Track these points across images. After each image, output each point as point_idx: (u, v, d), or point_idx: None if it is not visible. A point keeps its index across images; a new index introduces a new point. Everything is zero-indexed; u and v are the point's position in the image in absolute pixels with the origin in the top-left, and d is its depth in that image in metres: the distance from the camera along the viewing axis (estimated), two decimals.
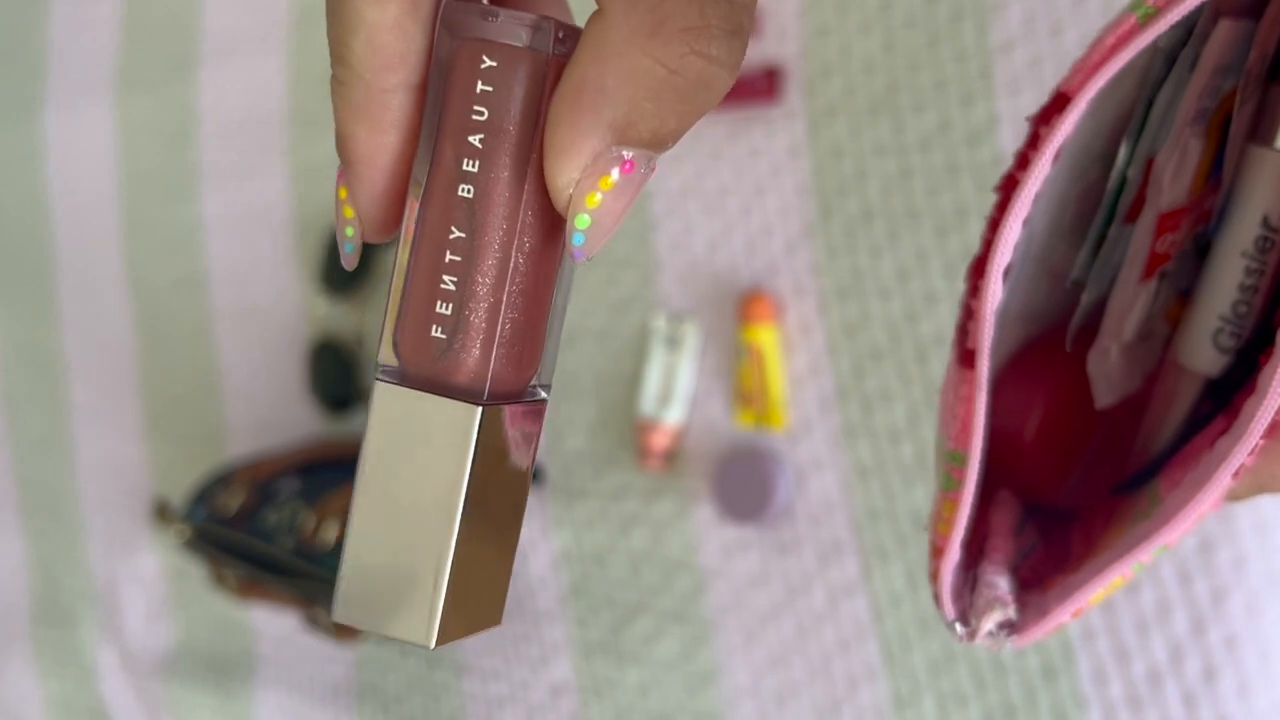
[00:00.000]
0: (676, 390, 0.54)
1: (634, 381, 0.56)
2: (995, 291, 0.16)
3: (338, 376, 0.68)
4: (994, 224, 0.16)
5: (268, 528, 0.59)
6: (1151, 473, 0.19)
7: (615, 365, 0.57)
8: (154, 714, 0.80)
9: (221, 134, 0.73)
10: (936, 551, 0.17)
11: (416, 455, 0.16)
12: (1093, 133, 0.18)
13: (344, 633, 0.60)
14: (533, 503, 0.60)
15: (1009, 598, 0.17)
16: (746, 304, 0.51)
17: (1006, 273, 0.16)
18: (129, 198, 0.79)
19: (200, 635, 0.78)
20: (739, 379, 0.52)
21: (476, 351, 0.16)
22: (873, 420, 0.49)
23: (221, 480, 0.65)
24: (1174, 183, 0.18)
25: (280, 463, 0.64)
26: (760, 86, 0.50)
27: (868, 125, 0.48)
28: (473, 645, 0.63)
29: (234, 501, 0.61)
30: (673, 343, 0.54)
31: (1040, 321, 0.20)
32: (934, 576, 0.18)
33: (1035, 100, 0.47)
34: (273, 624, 0.73)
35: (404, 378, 0.16)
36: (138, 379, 0.81)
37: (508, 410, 0.16)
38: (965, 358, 0.16)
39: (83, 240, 0.83)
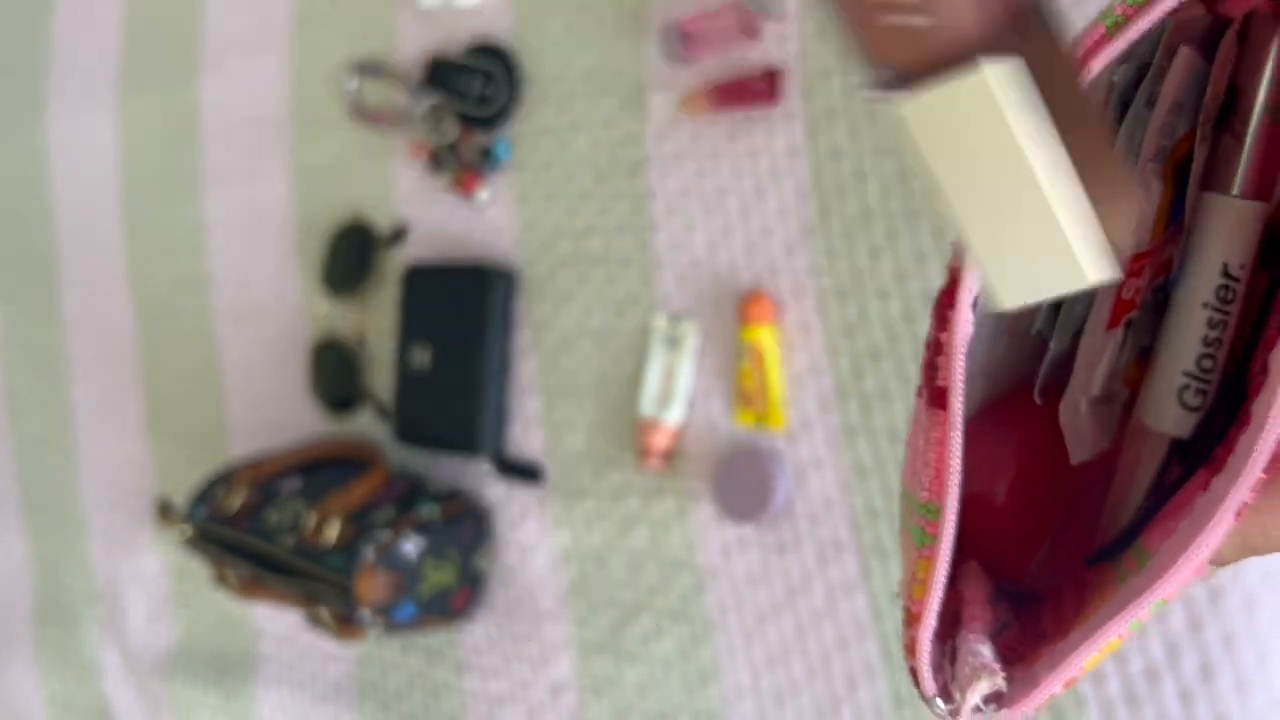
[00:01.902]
0: (676, 390, 0.54)
1: (634, 381, 0.56)
2: (965, 323, 0.15)
3: (339, 377, 0.68)
4: (960, 250, 0.15)
5: (269, 527, 0.59)
6: (1127, 540, 0.17)
7: (615, 365, 0.57)
8: (155, 712, 0.80)
9: (223, 135, 0.74)
10: (912, 619, 0.16)
11: (969, 141, 0.15)
12: None
13: (345, 631, 0.60)
14: (533, 502, 0.60)
15: (996, 665, 0.16)
16: (746, 304, 0.51)
17: (973, 307, 0.15)
18: (131, 199, 0.80)
19: (202, 634, 0.78)
20: (739, 379, 0.52)
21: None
22: (872, 420, 0.49)
23: (223, 480, 0.65)
24: (1139, 224, 0.17)
25: (282, 462, 0.64)
26: (760, 88, 0.50)
27: (866, 127, 0.49)
28: (473, 644, 0.64)
29: (235, 501, 0.61)
30: (673, 343, 0.54)
31: (1001, 380, 0.19)
32: (910, 648, 0.16)
33: None
34: (274, 622, 0.73)
35: (898, 79, 0.15)
36: (140, 379, 0.81)
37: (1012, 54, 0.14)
38: (936, 397, 0.15)
39: (85, 241, 0.83)
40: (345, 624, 0.60)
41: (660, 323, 0.55)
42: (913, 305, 0.48)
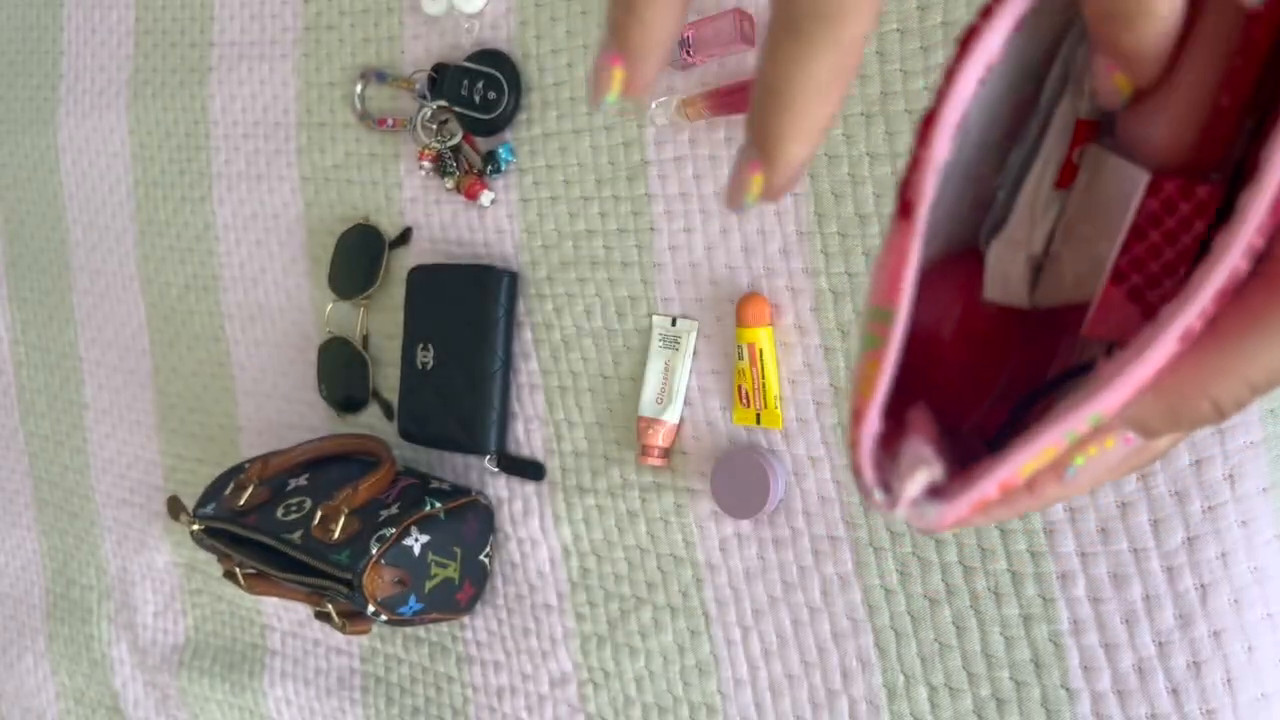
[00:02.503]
0: (676, 389, 0.54)
1: (634, 381, 0.57)
2: (943, 143, 0.15)
3: (345, 376, 0.68)
4: (949, 74, 0.15)
5: (278, 523, 0.59)
6: (1072, 374, 0.17)
7: (616, 365, 0.57)
8: (164, 705, 0.81)
9: (232, 139, 0.74)
10: (856, 416, 0.16)
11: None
12: (1033, 44, 0.16)
13: (351, 625, 0.61)
14: (534, 499, 0.61)
15: (934, 458, 0.15)
16: (744, 305, 0.52)
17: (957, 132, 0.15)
18: (141, 202, 0.80)
19: (210, 628, 0.79)
20: (736, 378, 0.52)
21: None
22: None
23: (233, 477, 0.65)
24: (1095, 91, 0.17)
25: (290, 459, 0.64)
26: None
27: (862, 131, 0.49)
28: (476, 637, 0.64)
29: (245, 497, 0.61)
30: (672, 343, 0.55)
31: (963, 236, 0.19)
32: (853, 444, 0.16)
33: None
34: (281, 617, 0.74)
35: None
36: (150, 378, 0.81)
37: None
38: (904, 209, 0.15)
39: (96, 244, 0.84)
40: (351, 618, 0.60)
41: (660, 323, 0.55)
42: None
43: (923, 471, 0.15)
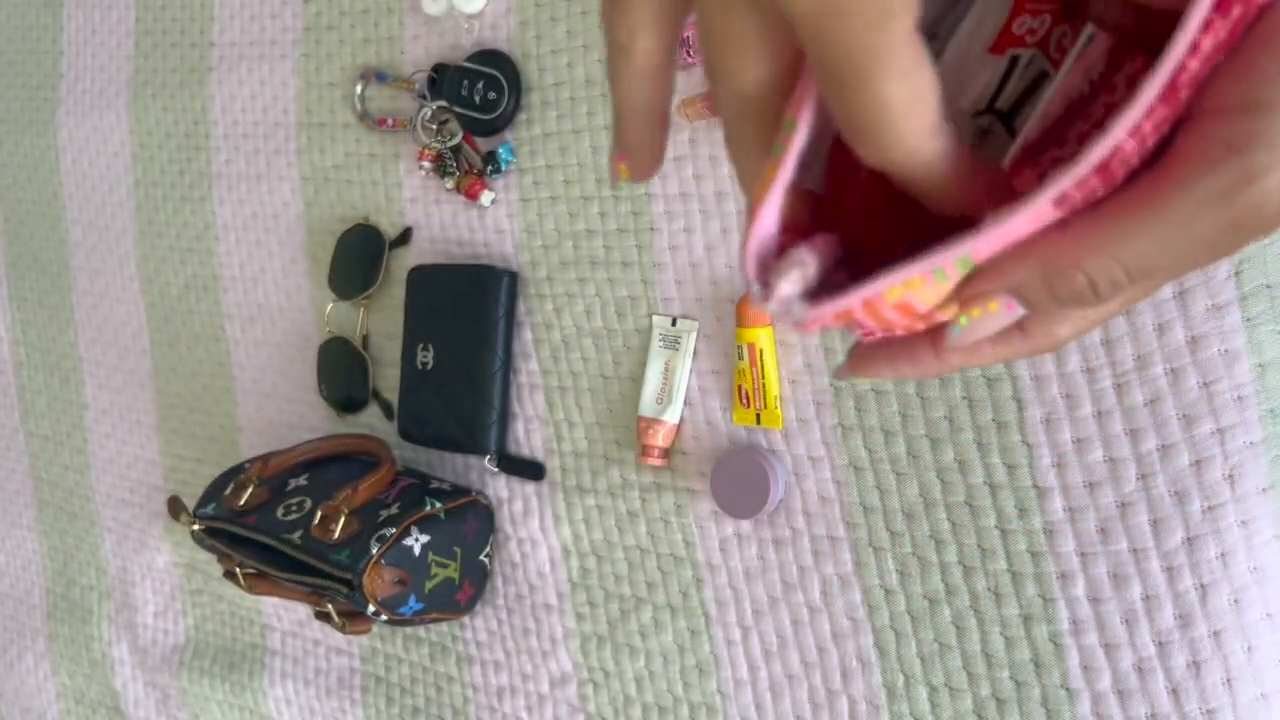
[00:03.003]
0: (676, 389, 0.54)
1: (634, 381, 0.57)
2: None
3: (345, 376, 0.68)
4: None
5: (278, 522, 0.59)
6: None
7: (616, 365, 0.57)
8: (165, 705, 0.81)
9: (232, 139, 0.74)
10: (750, 213, 0.17)
11: None
12: None
13: (351, 625, 0.61)
14: (535, 499, 0.61)
15: (812, 262, 0.16)
16: (744, 305, 0.52)
17: None
18: (141, 202, 0.80)
19: (211, 628, 0.79)
20: (736, 378, 0.52)
21: None
22: (866, 418, 0.50)
23: (233, 476, 0.65)
24: None
25: (290, 459, 0.64)
26: None
27: None
28: (476, 637, 0.64)
29: (245, 497, 0.62)
30: (672, 343, 0.55)
31: None
32: (745, 240, 0.17)
33: None
34: (282, 617, 0.74)
35: None
36: (150, 378, 0.82)
37: None
38: None
39: (96, 244, 0.84)
40: (351, 618, 0.60)
41: (660, 323, 0.55)
42: None
43: (796, 271, 0.16)
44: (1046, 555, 0.45)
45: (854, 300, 0.16)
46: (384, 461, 0.60)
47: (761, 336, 0.51)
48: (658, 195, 0.55)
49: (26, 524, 0.92)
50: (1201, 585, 0.42)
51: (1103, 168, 0.14)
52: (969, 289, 0.16)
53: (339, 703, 0.70)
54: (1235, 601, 0.41)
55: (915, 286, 0.16)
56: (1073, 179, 0.14)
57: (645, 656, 0.57)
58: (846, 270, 0.18)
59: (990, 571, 0.47)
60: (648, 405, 0.55)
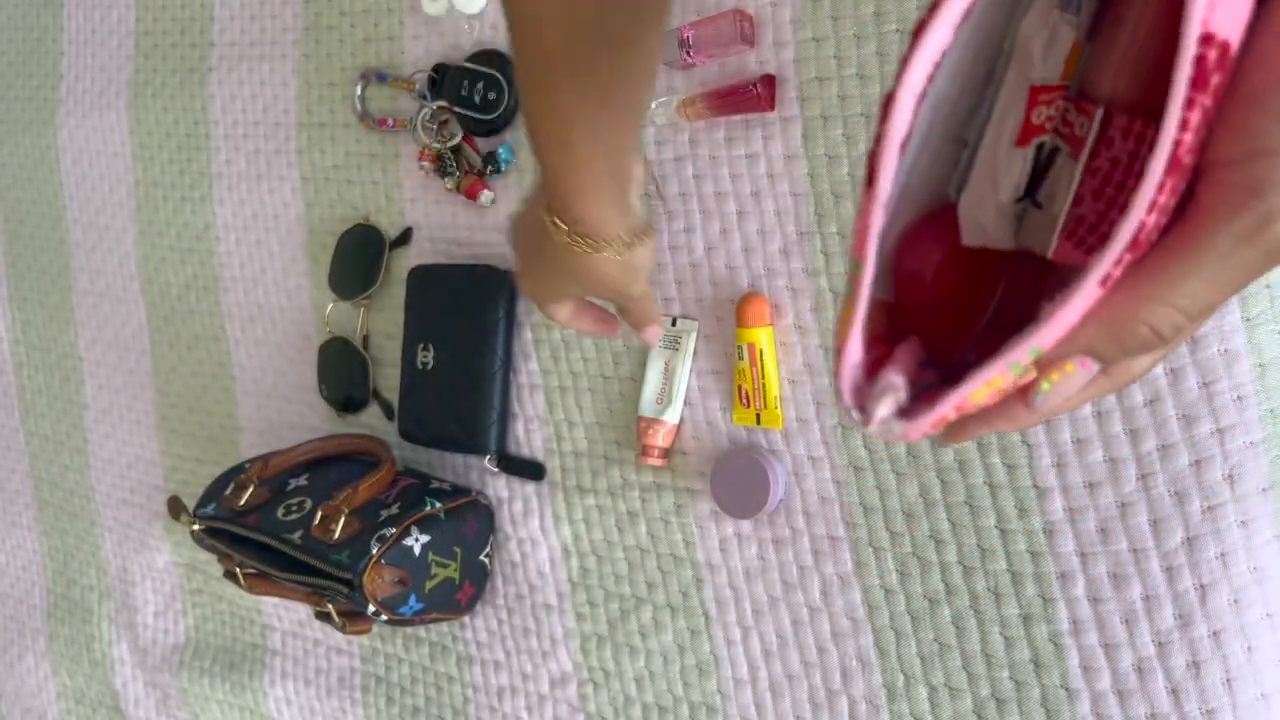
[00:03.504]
0: (676, 389, 0.54)
1: (634, 381, 0.57)
2: (902, 116, 0.17)
3: (346, 376, 0.68)
4: (903, 61, 0.16)
5: (278, 522, 0.59)
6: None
7: (616, 365, 0.57)
8: (165, 705, 0.81)
9: (232, 139, 0.74)
10: (836, 352, 0.19)
11: None
12: (996, 20, 0.19)
13: (351, 625, 0.61)
14: (535, 499, 0.61)
15: (901, 385, 0.18)
16: (744, 305, 0.52)
17: (919, 107, 0.17)
18: (141, 202, 0.80)
19: (211, 628, 0.79)
20: (737, 378, 0.52)
21: None
22: None
23: (233, 477, 0.65)
24: (1045, 58, 0.18)
25: (291, 459, 0.64)
26: (757, 93, 0.50)
27: (862, 130, 0.49)
28: (476, 637, 0.64)
29: (245, 497, 0.62)
30: (672, 343, 0.55)
31: (943, 192, 0.21)
32: (835, 374, 0.19)
33: None
34: (282, 617, 0.74)
35: None
36: (151, 378, 0.82)
37: None
38: (869, 178, 0.17)
39: (97, 244, 0.84)
40: (352, 618, 0.60)
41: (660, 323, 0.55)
42: None
43: (890, 397, 0.18)
44: (1046, 555, 0.45)
45: (945, 409, 0.18)
46: (384, 461, 0.60)
47: (761, 336, 0.51)
48: (657, 196, 0.55)
49: (27, 524, 0.92)
50: (1201, 585, 0.42)
51: (1133, 244, 0.16)
52: (1045, 359, 0.18)
53: (339, 702, 0.70)
54: (1235, 601, 0.41)
55: (996, 383, 0.18)
56: (1110, 261, 0.16)
57: (645, 656, 0.57)
58: (931, 367, 0.20)
59: (990, 571, 0.47)
60: (648, 405, 0.55)
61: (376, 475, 0.59)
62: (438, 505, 0.58)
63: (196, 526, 0.62)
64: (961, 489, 0.47)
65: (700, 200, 0.54)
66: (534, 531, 0.61)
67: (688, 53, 0.52)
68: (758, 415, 0.52)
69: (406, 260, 0.65)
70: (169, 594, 0.81)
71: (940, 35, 0.16)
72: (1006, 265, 0.21)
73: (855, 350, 0.18)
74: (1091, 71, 0.18)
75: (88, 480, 0.87)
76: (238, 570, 0.62)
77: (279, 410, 0.74)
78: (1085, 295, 0.17)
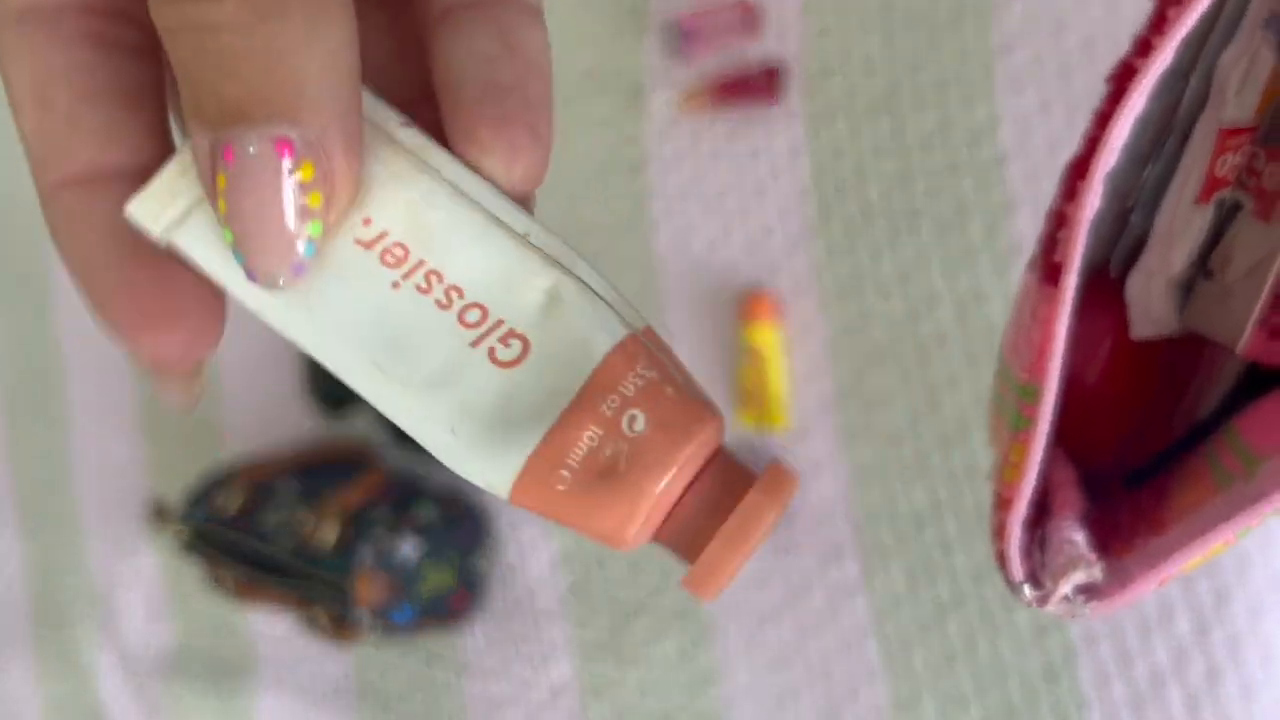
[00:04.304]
0: None
1: None
2: (1095, 196, 0.13)
3: (335, 377, 0.67)
4: (1103, 118, 0.13)
5: (266, 528, 0.59)
6: (1206, 430, 0.16)
7: None
8: (153, 715, 0.80)
9: None
10: (1004, 503, 0.15)
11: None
12: (1182, 47, 0.15)
13: (342, 633, 0.60)
14: None
15: (1092, 556, 0.14)
16: (747, 304, 0.51)
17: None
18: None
19: (199, 636, 0.78)
20: (739, 379, 0.51)
21: None
22: (873, 421, 0.49)
23: (220, 481, 0.65)
24: (1240, 94, 0.15)
25: (279, 463, 0.64)
26: (760, 86, 0.50)
27: (868, 125, 0.48)
28: (473, 645, 0.63)
29: (233, 502, 0.61)
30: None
31: (1102, 254, 0.17)
32: (999, 532, 0.15)
33: (1037, 100, 0.47)
34: (272, 625, 0.73)
35: None
36: (135, 380, 0.80)
37: None
38: (1050, 273, 0.14)
39: None
40: (342, 626, 0.60)
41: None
42: (914, 305, 0.48)
43: (1080, 572, 0.14)
44: None
45: (1151, 585, 0.14)
46: (375, 465, 0.60)
47: (765, 336, 0.50)
48: (658, 192, 0.55)
49: (9, 529, 0.91)
50: (1216, 592, 0.41)
51: None
52: None
53: (333, 712, 0.69)
54: (1252, 609, 0.41)
55: (1217, 551, 0.14)
56: None
57: (647, 665, 0.57)
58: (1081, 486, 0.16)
59: (999, 579, 0.46)
60: None
61: (368, 479, 0.59)
62: (431, 509, 0.58)
63: (182, 533, 0.61)
64: (971, 495, 0.47)
65: (702, 197, 0.53)
66: (532, 535, 0.60)
67: (689, 45, 0.52)
68: (761, 417, 0.51)
69: None
70: (156, 601, 0.81)
71: (1148, 83, 0.13)
72: (1167, 350, 0.17)
73: (1024, 506, 0.14)
74: None
75: (71, 485, 0.86)
76: (224, 577, 0.61)
77: (265, 412, 0.73)
78: None
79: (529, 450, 0.13)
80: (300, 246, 0.13)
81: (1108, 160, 0.13)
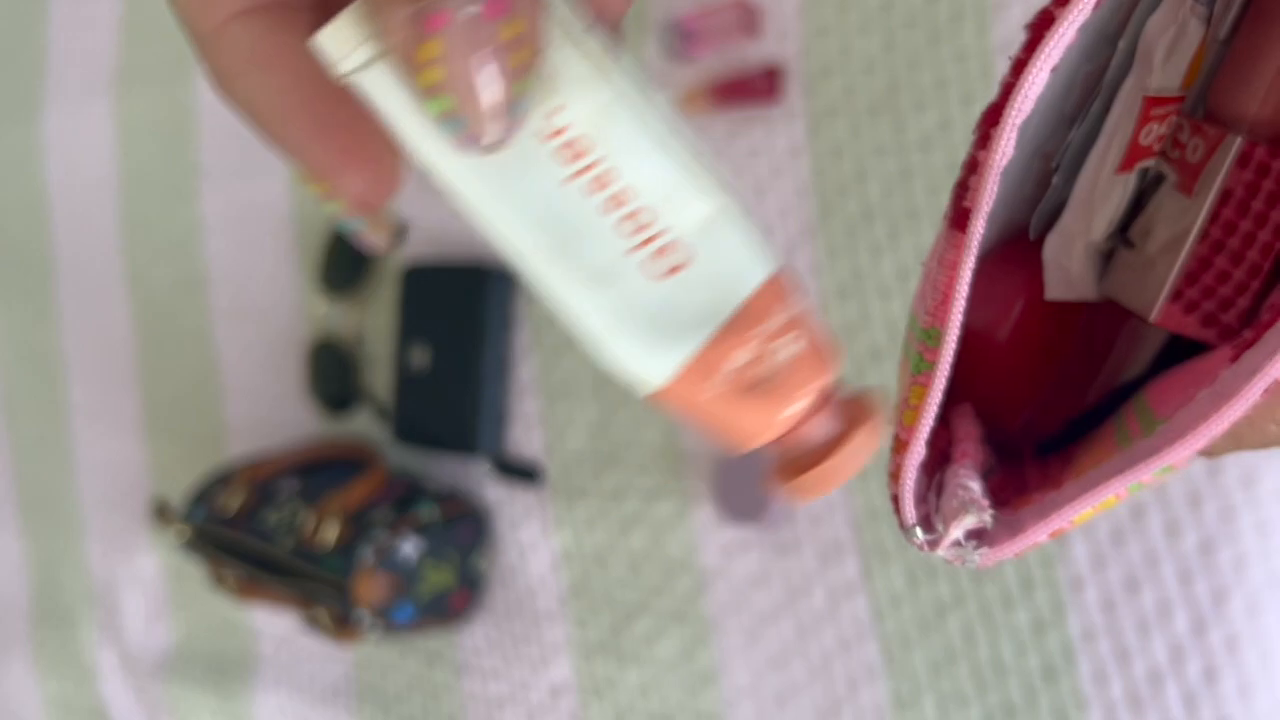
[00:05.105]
0: None
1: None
2: (1008, 145, 0.14)
3: (337, 376, 0.68)
4: (1018, 65, 0.13)
5: (268, 528, 0.59)
6: (1126, 394, 0.16)
7: None
8: (153, 714, 0.80)
9: (220, 133, 0.73)
10: (900, 445, 0.15)
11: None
12: (1110, 10, 0.15)
13: (343, 633, 0.60)
14: (532, 503, 0.60)
15: (985, 502, 0.14)
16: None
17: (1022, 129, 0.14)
18: (128, 197, 0.79)
19: (200, 635, 0.78)
20: None
21: None
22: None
23: (221, 480, 0.65)
24: (1167, 63, 0.15)
25: (280, 463, 0.64)
26: (760, 86, 0.50)
27: (868, 125, 0.48)
28: (473, 645, 0.63)
29: (234, 501, 0.61)
30: None
31: (1024, 217, 0.17)
32: (894, 474, 0.15)
33: None
34: (272, 624, 0.73)
35: None
36: (137, 379, 0.81)
37: None
38: (959, 218, 0.14)
39: (82, 240, 0.83)
40: (343, 625, 0.60)
41: None
42: None
43: (971, 515, 0.14)
44: (1057, 561, 0.44)
45: (1041, 535, 0.14)
46: (376, 465, 0.60)
47: None
48: None
49: (11, 529, 0.91)
50: (1215, 590, 0.41)
51: None
52: None
53: (333, 711, 0.69)
54: (1250, 607, 0.41)
55: (1109, 504, 0.14)
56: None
57: (647, 665, 0.57)
58: (988, 442, 0.16)
59: (999, 577, 0.46)
60: None
61: (368, 479, 0.59)
62: (432, 509, 0.58)
63: (184, 532, 0.61)
64: None
65: None
66: (532, 535, 0.60)
67: (688, 45, 0.52)
68: None
69: (400, 258, 0.65)
70: (157, 600, 0.81)
71: (1067, 32, 0.13)
72: (1086, 317, 0.17)
73: (921, 449, 0.15)
74: (1224, 81, 0.15)
75: (73, 484, 0.86)
76: (226, 576, 0.61)
77: (268, 412, 0.73)
78: (1246, 401, 0.13)
79: (683, 357, 0.14)
80: (513, 107, 0.13)
81: (1023, 107, 0.13)
